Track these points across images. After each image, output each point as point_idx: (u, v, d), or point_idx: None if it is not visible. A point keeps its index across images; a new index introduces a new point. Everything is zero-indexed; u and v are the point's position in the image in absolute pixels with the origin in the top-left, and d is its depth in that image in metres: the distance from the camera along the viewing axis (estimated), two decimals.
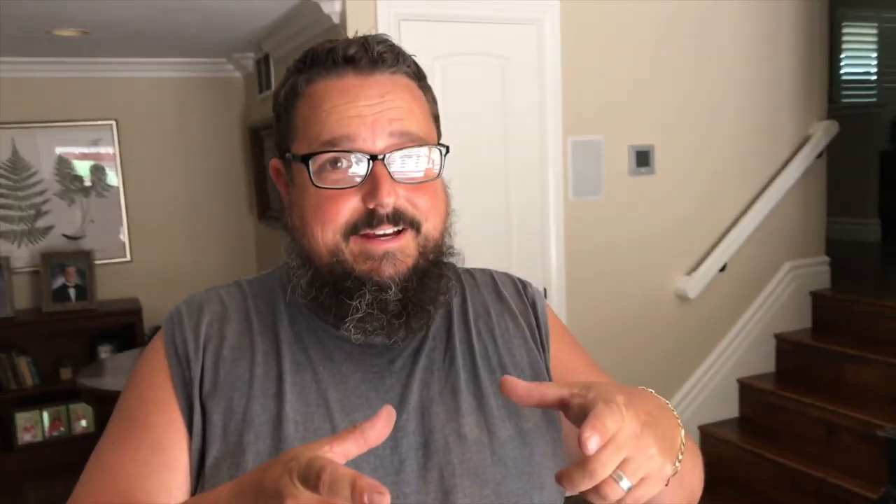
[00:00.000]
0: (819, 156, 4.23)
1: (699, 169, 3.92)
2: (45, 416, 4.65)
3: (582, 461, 0.66)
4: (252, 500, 0.63)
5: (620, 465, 0.68)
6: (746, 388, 4.12)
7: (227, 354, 0.92)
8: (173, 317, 0.95)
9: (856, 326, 4.08)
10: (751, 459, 3.82)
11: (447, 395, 0.93)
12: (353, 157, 0.88)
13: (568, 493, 0.70)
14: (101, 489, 0.86)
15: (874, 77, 7.43)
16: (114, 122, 4.89)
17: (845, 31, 7.17)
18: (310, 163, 0.88)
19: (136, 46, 4.44)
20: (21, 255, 4.72)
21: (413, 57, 0.96)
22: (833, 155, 4.49)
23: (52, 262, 4.67)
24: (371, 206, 0.87)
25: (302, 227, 0.92)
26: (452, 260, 0.97)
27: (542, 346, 1.03)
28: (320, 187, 0.89)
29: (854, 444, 3.53)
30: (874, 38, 7.37)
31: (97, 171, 4.89)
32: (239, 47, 4.60)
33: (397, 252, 0.89)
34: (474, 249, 3.52)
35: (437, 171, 0.92)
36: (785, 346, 4.18)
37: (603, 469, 0.66)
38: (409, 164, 0.90)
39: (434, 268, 0.93)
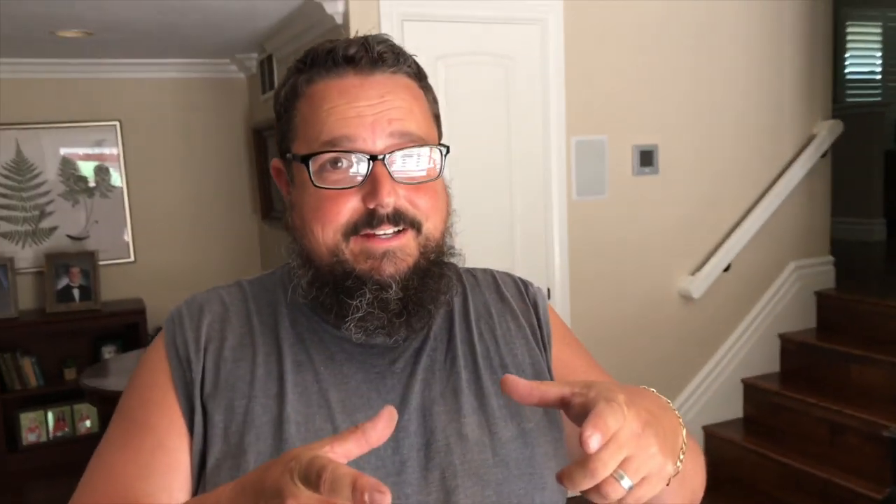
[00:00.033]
0: (823, 155, 4.22)
1: (703, 168, 3.91)
2: (50, 416, 4.66)
3: (583, 460, 0.66)
4: (253, 500, 0.63)
5: (621, 465, 0.67)
6: (751, 389, 4.12)
7: (228, 355, 0.92)
8: (174, 317, 0.95)
9: (860, 326, 4.07)
10: (755, 460, 3.81)
11: (449, 396, 0.93)
12: (353, 158, 0.88)
13: (569, 493, 0.69)
14: (102, 490, 0.86)
15: (879, 76, 7.41)
16: (117, 123, 4.90)
17: (850, 30, 7.15)
18: (310, 163, 0.88)
19: (139, 47, 4.44)
20: (25, 256, 4.73)
21: (414, 57, 0.96)
22: (837, 154, 4.48)
23: (56, 262, 4.68)
24: (371, 206, 0.87)
25: (302, 227, 0.92)
26: (453, 260, 0.97)
27: (544, 345, 1.03)
28: (320, 187, 0.89)
29: (859, 444, 3.52)
30: (879, 38, 7.35)
31: (101, 172, 4.90)
32: (242, 48, 4.61)
33: (398, 251, 0.89)
34: (478, 249, 3.51)
35: (437, 171, 0.92)
36: (789, 346, 4.17)
37: (604, 468, 0.66)
38: (409, 164, 0.90)
39: (435, 267, 0.93)
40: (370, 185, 0.87)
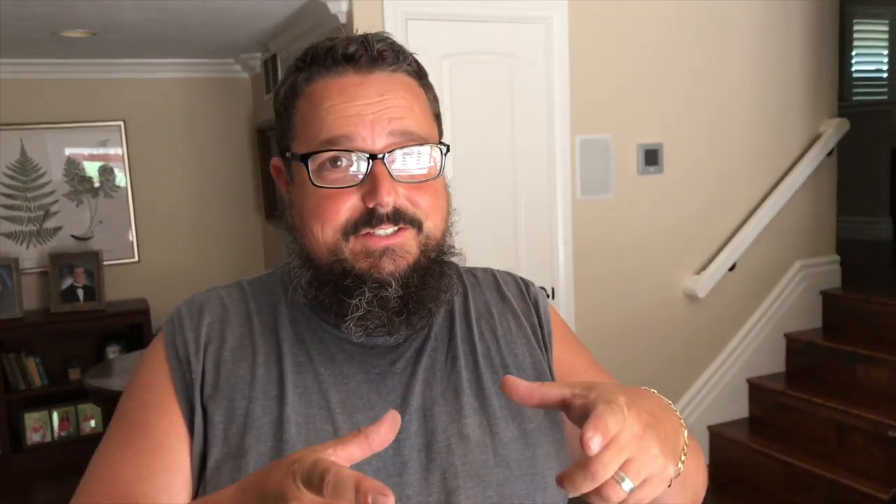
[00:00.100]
0: (829, 154, 4.21)
1: (708, 167, 3.90)
2: (54, 416, 4.67)
3: (583, 462, 0.65)
4: (255, 503, 0.63)
5: (622, 467, 0.67)
6: (756, 389, 4.10)
7: (228, 356, 0.92)
8: (173, 318, 0.95)
9: (867, 326, 4.06)
10: (760, 460, 3.80)
11: (449, 396, 0.93)
12: (352, 156, 0.87)
13: (570, 495, 0.69)
14: (102, 492, 0.86)
15: (885, 74, 7.38)
16: (122, 123, 4.91)
17: (856, 28, 7.13)
18: (309, 162, 0.88)
19: (143, 47, 4.45)
20: (30, 256, 4.74)
21: (414, 55, 0.95)
22: (844, 153, 4.46)
23: (61, 262, 4.69)
24: (371, 205, 0.87)
25: (302, 227, 0.92)
26: (454, 259, 0.97)
27: (545, 345, 1.02)
28: (320, 186, 0.88)
29: (865, 444, 3.51)
30: (885, 36, 7.32)
31: (105, 172, 4.91)
32: (246, 48, 4.61)
33: (397, 248, 0.89)
34: (481, 248, 3.51)
35: (438, 170, 0.92)
36: (795, 345, 4.16)
37: (605, 470, 0.65)
38: (409, 162, 0.90)
39: (435, 266, 0.92)
40: (370, 183, 0.87)
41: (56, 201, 4.80)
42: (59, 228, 4.81)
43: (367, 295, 0.88)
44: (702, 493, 0.93)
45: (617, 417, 0.67)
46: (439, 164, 0.92)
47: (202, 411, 0.89)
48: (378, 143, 0.87)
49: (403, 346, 0.94)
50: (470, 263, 1.06)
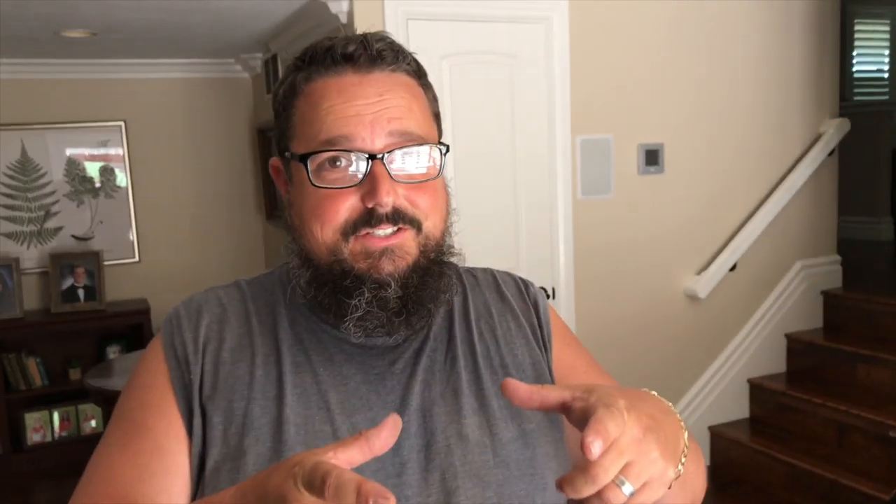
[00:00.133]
0: (830, 154, 4.20)
1: (709, 168, 3.90)
2: (55, 416, 4.66)
3: (583, 466, 0.65)
4: None
5: (622, 470, 0.67)
6: (757, 389, 4.10)
7: (227, 356, 0.91)
8: (172, 319, 0.95)
9: (868, 326, 4.05)
10: (761, 460, 3.79)
11: (449, 397, 0.93)
12: (352, 157, 0.87)
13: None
14: (101, 492, 0.86)
15: (887, 74, 7.38)
16: (122, 123, 4.90)
17: (857, 28, 7.13)
18: (308, 162, 0.88)
19: (144, 47, 4.45)
20: (30, 256, 4.74)
21: (413, 54, 0.95)
22: (845, 153, 4.46)
23: (61, 262, 4.69)
24: (370, 205, 0.87)
25: (301, 227, 0.91)
26: (453, 259, 0.96)
27: (544, 346, 1.02)
28: (319, 186, 0.88)
29: (866, 445, 3.50)
30: (887, 36, 7.32)
31: (106, 173, 4.91)
32: (247, 48, 4.61)
33: (396, 249, 0.88)
34: (482, 248, 3.49)
35: (437, 170, 0.91)
36: (796, 346, 4.15)
37: (605, 474, 0.65)
38: (408, 163, 0.89)
39: (435, 266, 0.92)
40: (369, 184, 0.87)
41: (57, 201, 4.80)
42: (59, 228, 4.81)
43: (366, 295, 0.87)
44: (701, 495, 0.93)
45: (617, 421, 0.67)
46: (439, 165, 0.92)
47: (201, 412, 0.88)
48: (377, 144, 0.87)
49: (402, 346, 0.94)
50: (470, 263, 1.06)
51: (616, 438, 0.66)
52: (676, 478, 0.73)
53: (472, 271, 1.07)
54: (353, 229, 0.88)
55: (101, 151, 4.89)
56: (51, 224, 4.79)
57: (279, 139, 0.95)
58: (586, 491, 0.65)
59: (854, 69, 7.16)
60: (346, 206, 0.87)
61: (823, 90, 4.19)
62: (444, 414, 0.91)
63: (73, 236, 4.84)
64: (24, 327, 4.55)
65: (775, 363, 4.17)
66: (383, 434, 0.62)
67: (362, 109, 0.87)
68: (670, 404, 0.81)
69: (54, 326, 4.60)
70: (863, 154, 5.79)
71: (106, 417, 4.48)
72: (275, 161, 0.98)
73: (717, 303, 3.96)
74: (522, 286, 1.07)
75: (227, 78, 5.13)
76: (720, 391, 4.04)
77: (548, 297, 3.49)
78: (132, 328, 4.78)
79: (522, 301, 1.05)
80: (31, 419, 4.61)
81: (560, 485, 0.66)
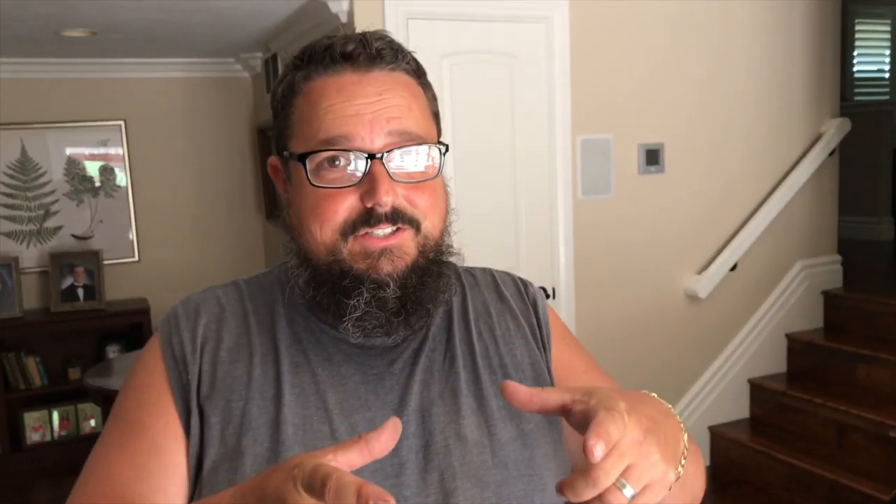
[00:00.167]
0: (831, 154, 4.20)
1: (709, 167, 3.89)
2: (54, 415, 4.66)
3: (584, 470, 0.65)
4: None
5: (623, 473, 0.66)
6: (757, 389, 4.10)
7: (225, 356, 0.91)
8: (170, 318, 0.94)
9: (868, 326, 4.05)
10: (761, 460, 3.79)
11: (447, 397, 0.92)
12: (351, 156, 0.87)
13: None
14: (98, 492, 0.85)
15: (887, 74, 7.37)
16: (122, 123, 4.90)
17: (858, 28, 7.12)
18: (307, 161, 0.87)
19: (144, 47, 4.44)
20: (30, 256, 4.74)
21: (413, 53, 0.94)
22: (845, 153, 4.46)
23: (61, 262, 4.68)
24: (369, 204, 0.86)
25: (299, 226, 0.91)
26: (452, 259, 0.96)
27: (544, 346, 1.02)
28: (318, 186, 0.87)
29: (866, 445, 3.50)
30: (887, 36, 7.31)
31: (106, 172, 4.91)
32: (247, 47, 4.61)
33: (395, 249, 0.88)
34: (482, 248, 3.50)
35: (436, 170, 0.91)
36: (796, 346, 4.15)
37: (606, 477, 0.65)
38: (407, 162, 0.89)
39: (434, 266, 0.92)
40: (368, 183, 0.86)
41: (56, 201, 4.79)
42: (59, 228, 4.81)
43: (365, 295, 0.87)
44: (700, 496, 0.93)
45: (618, 424, 0.67)
46: (438, 164, 0.91)
47: (198, 412, 0.88)
48: (377, 143, 0.87)
49: (401, 346, 0.94)
50: (470, 263, 1.06)
51: (617, 441, 0.66)
52: (676, 479, 0.73)
53: (470, 271, 1.07)
54: (352, 229, 0.87)
55: (101, 151, 4.89)
56: (50, 223, 4.79)
57: (278, 138, 0.95)
58: (587, 494, 0.65)
59: (855, 69, 7.16)
60: (345, 206, 0.87)
61: (824, 90, 4.19)
62: (443, 414, 0.90)
63: (73, 236, 4.84)
64: (24, 326, 4.54)
65: (776, 363, 4.17)
66: (383, 437, 0.62)
67: (361, 109, 0.87)
68: (670, 406, 0.81)
69: (54, 326, 4.60)
70: (863, 154, 5.79)
71: (105, 417, 4.48)
72: (273, 160, 0.97)
73: (717, 302, 3.96)
74: (521, 286, 1.07)
75: (228, 77, 5.13)
76: (720, 391, 4.04)
77: (548, 297, 3.49)
78: (132, 328, 4.78)
79: (521, 301, 1.05)
80: (31, 418, 4.61)
81: (560, 488, 0.66)
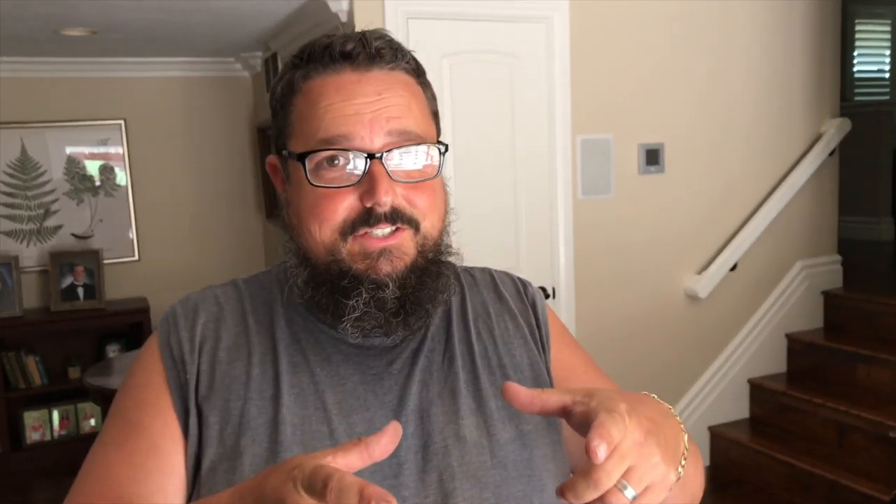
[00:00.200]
0: (831, 154, 4.20)
1: (709, 167, 3.89)
2: (54, 415, 4.66)
3: (585, 472, 0.65)
4: None
5: (624, 475, 0.66)
6: (757, 389, 4.09)
7: (224, 356, 0.91)
8: (168, 317, 0.94)
9: (868, 326, 4.05)
10: (761, 460, 3.79)
11: (446, 397, 0.92)
12: (350, 156, 0.86)
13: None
14: (96, 491, 0.85)
15: (887, 75, 7.37)
16: (122, 122, 4.90)
17: (858, 28, 7.12)
18: (306, 161, 0.87)
19: (144, 46, 4.44)
20: (30, 255, 4.74)
21: (412, 52, 0.94)
22: (845, 153, 4.45)
23: (61, 261, 4.68)
24: (368, 204, 0.86)
25: (299, 226, 0.91)
26: (451, 259, 0.96)
27: (543, 346, 1.02)
28: (317, 186, 0.87)
29: (866, 445, 3.50)
30: (887, 36, 7.31)
31: (106, 171, 4.91)
32: (247, 46, 4.60)
33: (394, 249, 0.88)
34: (482, 248, 3.49)
35: (435, 170, 0.91)
36: (796, 346, 4.15)
37: (608, 479, 0.65)
38: (407, 162, 0.89)
39: (432, 266, 0.91)
40: (367, 183, 0.86)
41: (56, 200, 4.79)
42: (59, 227, 4.81)
43: (364, 296, 0.87)
44: (699, 496, 0.93)
45: (619, 425, 0.67)
46: (437, 164, 0.91)
47: (197, 412, 0.88)
48: (376, 143, 0.86)
49: (400, 346, 0.94)
50: (470, 263, 1.05)
51: (618, 443, 0.66)
52: (677, 480, 0.73)
53: (469, 271, 1.07)
54: (352, 229, 0.87)
55: (101, 150, 4.89)
56: (50, 222, 4.79)
57: (276, 137, 0.94)
58: (589, 496, 0.65)
59: (855, 69, 7.15)
60: (345, 206, 0.87)
61: (824, 90, 4.19)
62: (442, 414, 0.90)
63: (73, 235, 4.84)
64: (24, 326, 4.54)
65: (775, 363, 4.17)
66: (383, 441, 0.62)
67: (361, 108, 0.87)
68: (670, 407, 0.81)
69: (54, 325, 4.60)
70: (863, 154, 5.79)
71: (105, 416, 4.49)
72: (272, 159, 0.97)
73: (717, 303, 3.95)
74: (520, 286, 1.07)
75: (228, 77, 5.13)
76: (720, 391, 4.04)
77: (548, 297, 3.49)
78: (132, 327, 4.78)
79: (521, 301, 1.04)
80: (31, 418, 4.61)
81: (561, 491, 0.66)
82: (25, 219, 4.74)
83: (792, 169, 4.08)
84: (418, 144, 0.89)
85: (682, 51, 3.76)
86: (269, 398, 0.88)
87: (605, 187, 3.64)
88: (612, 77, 3.60)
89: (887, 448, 3.39)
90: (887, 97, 7.22)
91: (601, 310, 3.68)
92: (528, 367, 0.98)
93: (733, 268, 3.93)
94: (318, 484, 0.56)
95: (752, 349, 4.09)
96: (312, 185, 0.87)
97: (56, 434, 4.67)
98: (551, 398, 0.72)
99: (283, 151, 0.92)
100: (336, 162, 0.87)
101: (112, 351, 4.77)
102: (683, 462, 0.75)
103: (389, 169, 0.87)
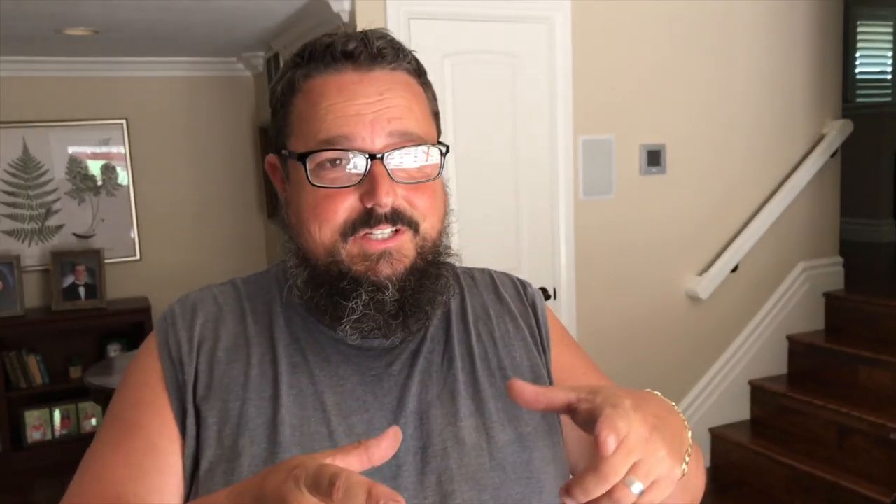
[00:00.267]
0: (833, 155, 4.19)
1: (711, 168, 3.89)
2: (55, 414, 4.66)
3: (592, 466, 0.65)
4: None
5: (631, 470, 0.66)
6: (758, 391, 4.09)
7: (222, 356, 0.90)
8: (167, 317, 0.94)
9: (869, 328, 4.04)
10: (762, 462, 3.79)
11: (446, 399, 0.92)
12: (351, 156, 0.86)
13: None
14: (93, 491, 0.85)
15: (889, 76, 7.36)
16: (124, 122, 4.90)
17: (860, 29, 7.11)
18: (307, 161, 0.87)
19: (146, 46, 4.44)
20: (31, 254, 4.74)
21: (414, 52, 0.94)
22: (847, 155, 4.45)
23: (63, 260, 4.68)
24: (369, 205, 0.86)
25: (298, 226, 0.90)
26: (450, 260, 0.96)
27: (543, 348, 1.01)
28: (318, 186, 0.87)
29: (867, 447, 3.49)
30: (890, 37, 7.30)
31: (108, 171, 4.91)
32: (249, 46, 4.60)
33: (394, 252, 0.88)
34: (483, 249, 3.49)
35: (436, 171, 0.91)
36: (798, 347, 4.14)
37: (615, 473, 0.65)
38: (408, 163, 0.88)
39: (432, 268, 0.91)
40: (368, 183, 0.86)
41: (58, 199, 4.80)
42: (60, 226, 4.81)
43: (363, 298, 0.87)
44: (700, 494, 0.93)
45: (625, 420, 0.67)
46: (438, 165, 0.91)
47: (195, 412, 0.88)
48: (377, 143, 0.86)
49: (399, 347, 0.93)
50: (471, 264, 1.05)
51: (624, 437, 0.66)
52: (682, 476, 0.73)
53: (469, 272, 1.06)
54: (352, 230, 0.87)
55: (103, 149, 4.89)
56: (52, 222, 4.79)
57: (276, 136, 0.94)
58: (597, 491, 0.65)
59: (857, 70, 7.14)
60: (345, 206, 0.87)
61: (826, 91, 4.18)
62: (441, 416, 0.90)
63: (75, 234, 4.84)
64: (25, 325, 4.54)
65: (776, 365, 4.16)
66: (383, 445, 0.62)
67: (362, 108, 0.86)
68: (674, 404, 0.81)
69: (55, 324, 4.61)
70: (865, 156, 5.79)
71: None
72: (272, 158, 0.96)
73: (718, 304, 3.95)
74: (520, 287, 1.06)
75: (229, 76, 5.13)
76: (721, 393, 4.03)
77: (548, 297, 3.48)
78: (133, 326, 4.78)
79: (521, 303, 1.04)
80: (32, 417, 4.61)
81: (568, 489, 0.66)
82: (27, 218, 4.74)
83: (793, 170, 4.08)
84: (419, 145, 0.89)
85: (685, 51, 3.75)
86: (267, 398, 0.88)
87: (606, 188, 3.63)
88: (613, 77, 3.60)
89: (888, 450, 3.39)
90: (889, 98, 7.21)
91: (602, 311, 3.68)
92: (529, 368, 0.98)
93: (734, 269, 3.93)
94: (325, 482, 0.55)
95: (752, 350, 4.08)
96: (313, 185, 0.87)
97: (57, 433, 4.67)
98: (557, 395, 0.72)
99: (283, 151, 0.92)
100: (337, 162, 0.86)
101: (113, 350, 4.78)
102: (687, 459, 0.75)
103: (390, 170, 0.86)
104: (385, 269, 0.87)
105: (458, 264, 0.99)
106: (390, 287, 0.87)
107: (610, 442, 0.64)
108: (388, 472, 0.86)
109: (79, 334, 4.81)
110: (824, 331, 4.24)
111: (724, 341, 4.03)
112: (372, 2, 3.12)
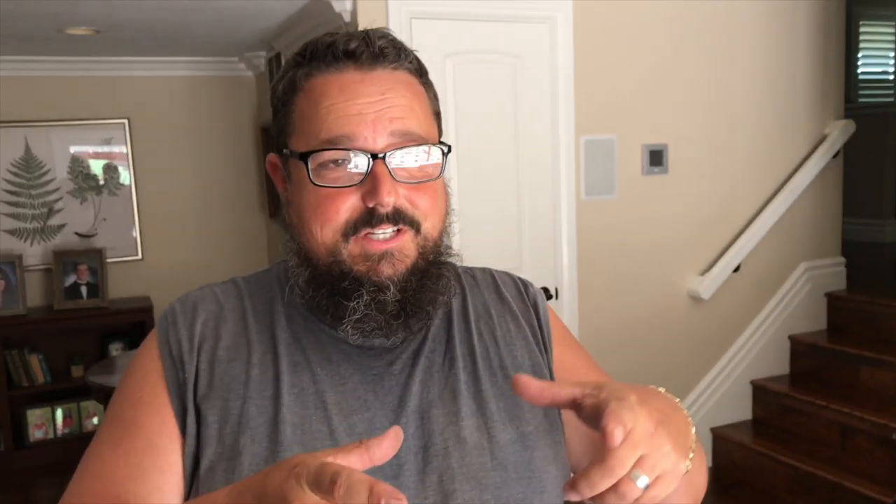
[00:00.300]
0: (835, 155, 4.19)
1: (713, 168, 3.88)
2: (57, 413, 4.67)
3: (598, 460, 0.65)
4: None
5: (636, 464, 0.67)
6: (760, 391, 4.09)
7: (223, 355, 0.90)
8: (167, 316, 0.94)
9: (871, 328, 4.04)
10: (764, 462, 3.78)
11: (447, 398, 0.92)
12: (352, 156, 0.86)
13: (574, 500, 0.68)
14: (92, 490, 0.85)
15: (892, 76, 7.35)
16: (126, 121, 4.91)
17: (863, 29, 7.09)
18: (308, 161, 0.87)
19: (148, 45, 4.45)
20: (33, 253, 4.75)
21: (415, 52, 0.94)
22: (849, 155, 4.44)
23: (65, 259, 4.69)
24: (371, 205, 0.86)
25: (300, 225, 0.90)
26: (451, 260, 0.95)
27: (545, 347, 1.01)
28: (319, 185, 0.87)
29: (869, 447, 3.49)
30: (892, 37, 7.29)
31: (109, 170, 4.91)
32: (250, 46, 4.61)
33: (396, 252, 0.87)
34: (485, 249, 3.49)
35: (438, 170, 0.91)
36: (800, 347, 4.14)
37: (621, 467, 0.65)
38: (409, 163, 0.88)
39: (433, 268, 0.91)
40: (370, 183, 0.86)
41: (60, 199, 4.80)
42: (62, 226, 4.81)
43: (364, 298, 0.86)
44: (702, 492, 0.93)
45: (630, 414, 0.67)
46: (440, 165, 0.91)
47: (195, 411, 0.87)
48: (379, 143, 0.86)
49: (401, 347, 0.93)
50: (473, 263, 1.05)
51: (630, 431, 0.66)
52: (686, 472, 0.73)
53: (470, 271, 1.06)
54: (354, 230, 0.87)
55: (105, 149, 4.89)
56: (54, 221, 4.80)
57: (277, 135, 0.94)
58: (603, 484, 0.65)
59: (859, 71, 7.13)
60: (347, 206, 0.86)
61: (828, 91, 4.18)
62: (442, 416, 0.90)
63: (77, 233, 4.85)
64: (27, 324, 4.55)
65: (779, 365, 4.16)
66: (384, 444, 0.62)
67: (364, 108, 0.86)
68: (678, 400, 0.81)
69: (57, 323, 4.61)
70: (867, 156, 5.77)
71: None
72: (272, 157, 0.96)
73: (720, 304, 3.95)
74: (522, 287, 1.06)
75: (231, 76, 5.13)
76: (723, 393, 4.03)
77: (550, 297, 3.48)
78: (135, 326, 4.78)
79: (522, 302, 1.04)
80: (34, 416, 4.62)
81: (574, 483, 0.66)
82: (29, 217, 4.74)
83: (796, 170, 4.08)
84: (421, 145, 0.88)
85: (687, 51, 3.75)
86: (268, 397, 0.88)
87: (608, 188, 3.63)
88: (615, 77, 3.60)
89: (891, 450, 3.38)
90: (891, 99, 7.19)
91: (604, 310, 3.68)
92: (530, 368, 0.98)
93: (737, 269, 3.93)
94: (326, 480, 0.55)
95: (755, 351, 4.08)
96: (315, 184, 0.87)
97: (59, 432, 4.68)
98: (562, 390, 0.72)
99: (285, 150, 0.92)
100: (339, 162, 0.86)
101: (115, 349, 4.78)
102: (691, 455, 0.75)
103: (392, 169, 0.86)
104: (386, 270, 0.87)
105: (459, 264, 0.99)
106: (392, 287, 0.87)
107: (617, 433, 0.64)
108: (389, 472, 0.85)
109: (81, 333, 4.81)
110: (826, 331, 4.24)
111: (726, 341, 4.03)
112: (373, 1, 3.12)
